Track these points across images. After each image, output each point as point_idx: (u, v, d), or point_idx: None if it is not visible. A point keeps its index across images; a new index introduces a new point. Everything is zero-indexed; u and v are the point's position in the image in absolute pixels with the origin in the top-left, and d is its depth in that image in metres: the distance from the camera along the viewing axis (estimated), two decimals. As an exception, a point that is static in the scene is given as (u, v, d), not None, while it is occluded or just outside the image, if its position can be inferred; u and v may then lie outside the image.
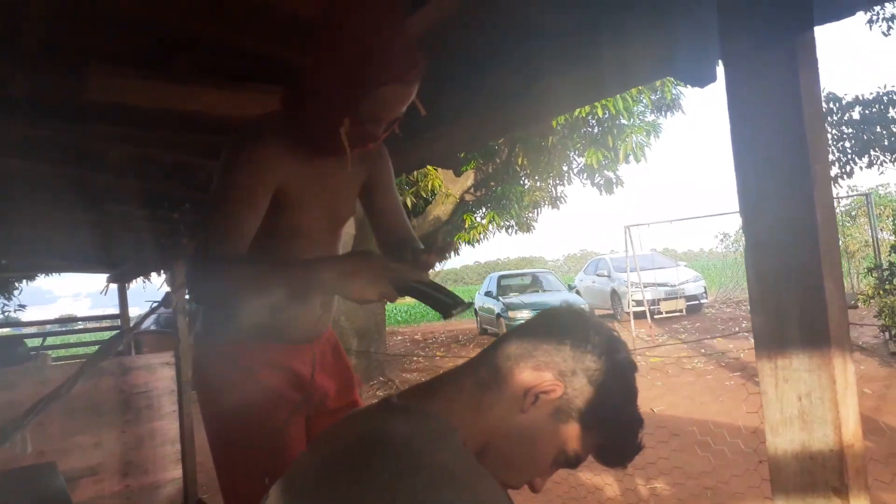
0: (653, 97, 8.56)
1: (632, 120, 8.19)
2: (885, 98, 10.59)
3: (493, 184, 10.19)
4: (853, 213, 14.84)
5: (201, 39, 1.40)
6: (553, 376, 0.95)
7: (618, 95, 7.04)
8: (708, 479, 3.82)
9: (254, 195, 1.27)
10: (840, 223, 15.30)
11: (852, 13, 0.91)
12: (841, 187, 11.72)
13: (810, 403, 0.93)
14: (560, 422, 0.96)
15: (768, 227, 0.96)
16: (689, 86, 1.15)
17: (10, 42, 1.42)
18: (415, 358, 10.49)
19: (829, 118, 11.24)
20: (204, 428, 1.57)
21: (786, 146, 0.92)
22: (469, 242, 11.11)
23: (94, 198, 3.03)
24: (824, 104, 11.26)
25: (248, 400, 1.46)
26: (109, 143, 2.10)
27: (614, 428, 0.98)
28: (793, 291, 0.94)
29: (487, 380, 0.97)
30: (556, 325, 1.02)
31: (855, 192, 13.77)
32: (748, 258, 1.00)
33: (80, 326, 9.98)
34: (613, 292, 14.64)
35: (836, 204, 15.50)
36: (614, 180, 9.68)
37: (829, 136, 11.33)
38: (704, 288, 14.19)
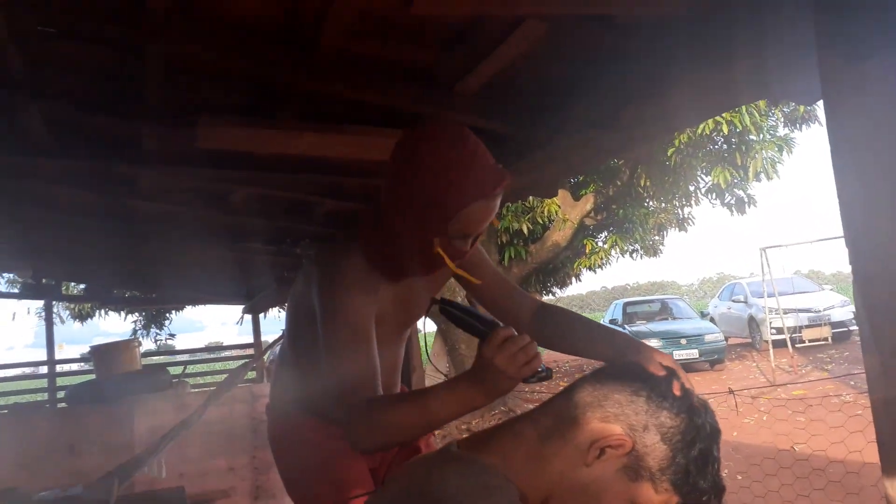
0: (785, 110, 8.06)
1: (761, 135, 7.75)
2: None
3: (614, 206, 9.95)
4: None
5: (300, 89, 1.48)
6: (622, 430, 0.90)
7: (744, 109, 6.69)
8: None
9: (368, 329, 1.27)
10: None
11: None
12: None
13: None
14: (629, 479, 0.90)
15: (876, 257, 0.87)
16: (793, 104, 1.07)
17: (135, 100, 1.57)
18: (537, 387, 10.34)
19: None
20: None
21: (891, 167, 0.84)
22: (590, 268, 10.86)
23: (225, 236, 3.27)
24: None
25: (313, 457, 1.50)
26: (230, 185, 2.26)
27: (689, 493, 0.91)
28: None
29: (551, 429, 0.93)
30: (633, 375, 0.97)
31: None
32: (856, 292, 0.91)
33: (221, 355, 10.67)
34: (751, 319, 13.76)
35: None
36: (746, 199, 9.17)
37: None
38: (853, 313, 13.03)
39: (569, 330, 1.37)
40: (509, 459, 0.92)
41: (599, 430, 0.90)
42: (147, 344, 12.11)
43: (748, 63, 1.13)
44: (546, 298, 10.65)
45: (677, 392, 0.94)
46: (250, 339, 7.74)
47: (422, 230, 1.21)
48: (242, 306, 6.24)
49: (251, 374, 6.06)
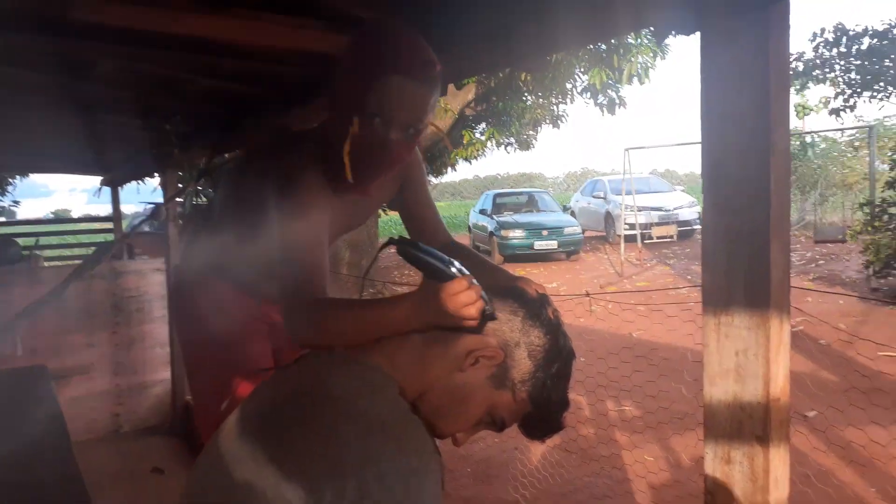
0: (661, 17, 8.28)
1: (639, 40, 7.97)
2: (894, 31, 10.28)
3: (494, 98, 10.01)
4: (856, 145, 14.72)
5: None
6: (497, 343, 1.02)
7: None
8: (679, 405, 3.99)
9: (324, 235, 1.30)
10: (841, 153, 15.22)
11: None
12: (840, 120, 11.57)
13: (746, 359, 0.99)
14: (493, 387, 1.02)
15: (726, 187, 0.99)
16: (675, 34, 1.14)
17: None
18: (406, 271, 10.63)
19: (836, 49, 10.97)
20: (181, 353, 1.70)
21: (748, 113, 0.94)
22: (466, 159, 11.03)
23: (85, 106, 3.02)
24: (832, 35, 10.99)
25: (217, 325, 1.55)
26: (96, 56, 2.09)
27: (541, 405, 1.04)
28: (742, 252, 0.98)
29: (436, 337, 1.03)
30: (513, 297, 1.08)
31: (861, 123, 13.61)
32: (705, 217, 1.04)
33: (76, 228, 10.00)
34: (608, 215, 14.70)
35: (838, 134, 15.36)
36: (617, 101, 9.54)
37: (837, 67, 11.06)
38: (699, 214, 14.26)
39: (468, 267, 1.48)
40: (395, 360, 1.02)
41: (477, 341, 1.01)
42: (-14, 209, 11.14)
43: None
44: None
45: (549, 316, 1.06)
46: (103, 211, 7.30)
47: (344, 110, 1.22)
48: (101, 178, 5.85)
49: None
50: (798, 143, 15.82)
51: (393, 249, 1.09)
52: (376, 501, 0.83)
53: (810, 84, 11.94)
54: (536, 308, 1.07)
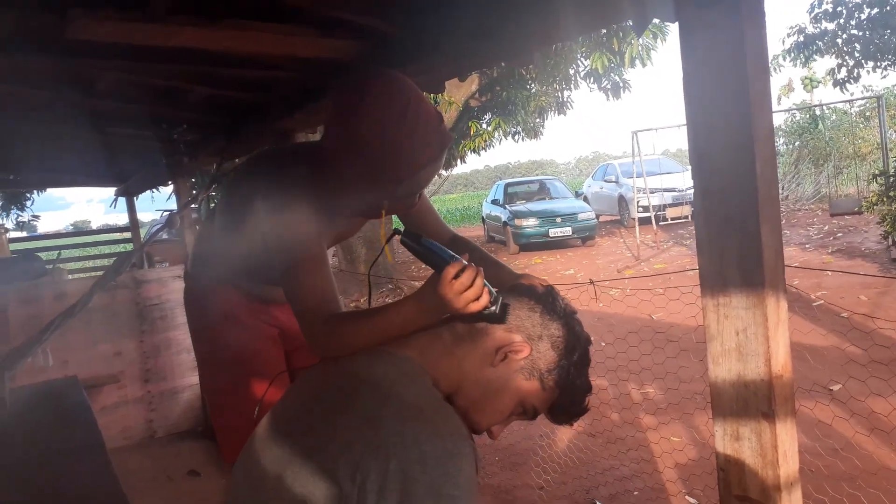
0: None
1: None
2: (893, -1, 10.18)
3: (498, 88, 10.01)
4: (867, 115, 14.53)
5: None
6: (522, 338, 1.09)
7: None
8: (699, 385, 4.00)
9: (324, 252, 1.35)
10: (852, 125, 15.04)
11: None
12: (847, 91, 11.45)
13: (746, 338, 1.02)
14: (524, 378, 1.09)
15: (713, 175, 1.02)
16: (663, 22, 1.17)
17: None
18: (423, 266, 10.67)
19: (837, 21, 10.87)
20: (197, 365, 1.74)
21: (729, 102, 0.97)
22: (475, 150, 11.05)
23: (93, 120, 3.09)
24: (831, 7, 10.87)
25: (231, 333, 1.60)
26: (97, 71, 2.15)
27: (567, 391, 1.12)
28: (733, 236, 1.01)
29: (464, 335, 1.11)
30: (529, 295, 1.15)
31: (870, 93, 13.43)
32: (696, 203, 1.07)
33: (96, 240, 10.13)
34: (621, 198, 14.64)
35: (849, 105, 15.15)
36: (621, 85, 9.51)
37: (839, 39, 10.94)
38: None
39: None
40: (426, 355, 1.08)
41: (504, 337, 1.09)
42: (7, 224, 11.31)
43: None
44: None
45: (563, 308, 1.14)
46: (121, 220, 7.41)
47: (371, 191, 1.25)
48: (115, 188, 5.94)
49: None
50: (808, 116, 15.64)
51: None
52: (418, 482, 0.88)
53: (816, 57, 11.81)
54: (551, 302, 1.14)
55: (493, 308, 1.10)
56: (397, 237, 1.19)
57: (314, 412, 1.02)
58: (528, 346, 1.09)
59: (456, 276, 1.05)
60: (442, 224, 1.66)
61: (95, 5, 1.42)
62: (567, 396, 1.12)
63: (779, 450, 1.02)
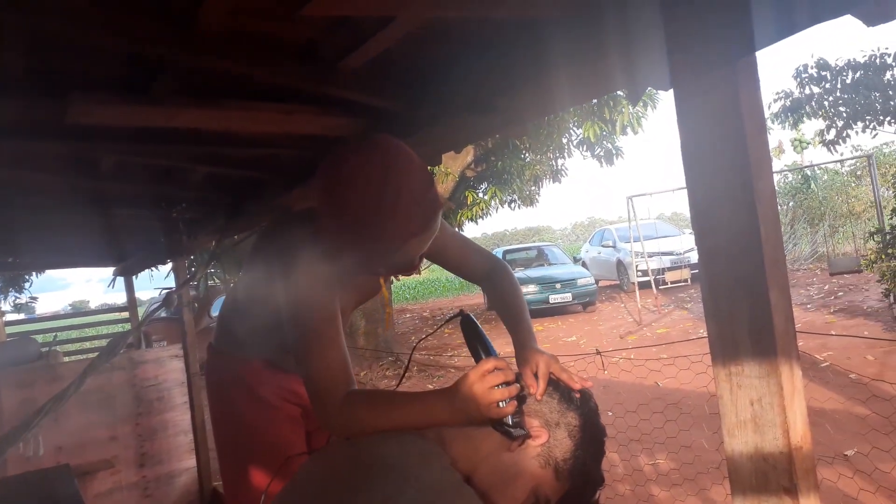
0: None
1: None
2: (877, 62, 10.48)
3: (493, 158, 10.18)
4: (858, 173, 14.72)
5: (180, 65, 1.44)
6: (540, 423, 1.07)
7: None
8: (713, 455, 3.88)
9: (339, 324, 1.30)
10: (844, 184, 15.22)
11: (791, 33, 0.94)
12: (837, 151, 11.68)
13: (761, 408, 0.98)
14: (539, 466, 1.06)
15: (717, 238, 1.01)
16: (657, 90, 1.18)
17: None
18: (422, 335, 10.58)
19: (822, 84, 11.20)
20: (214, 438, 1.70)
21: (729, 165, 0.96)
22: (472, 219, 11.13)
23: (94, 201, 3.10)
24: (816, 72, 11.20)
25: (252, 414, 1.58)
26: (99, 154, 2.17)
27: (580, 482, 1.09)
28: (742, 300, 0.98)
29: None
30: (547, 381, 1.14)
31: (859, 153, 13.65)
32: (701, 266, 1.05)
33: (93, 320, 10.07)
34: (619, 263, 14.66)
35: (839, 165, 15.38)
36: (614, 151, 9.67)
37: (826, 102, 11.23)
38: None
39: (497, 304, 1.58)
40: (443, 434, 1.06)
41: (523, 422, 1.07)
42: (5, 307, 11.26)
43: (615, 58, 1.22)
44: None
45: (580, 398, 1.12)
46: (119, 299, 7.38)
47: (364, 259, 1.24)
48: (113, 268, 5.94)
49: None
50: (800, 176, 15.84)
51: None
52: None
53: (804, 119, 12.10)
54: (568, 390, 1.13)
55: (513, 430, 1.06)
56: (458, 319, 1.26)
57: (330, 492, 0.97)
58: (546, 433, 1.06)
59: (491, 372, 1.04)
60: (471, 257, 1.67)
61: (95, 89, 1.44)
62: (580, 488, 1.09)
63: (804, 528, 0.96)
